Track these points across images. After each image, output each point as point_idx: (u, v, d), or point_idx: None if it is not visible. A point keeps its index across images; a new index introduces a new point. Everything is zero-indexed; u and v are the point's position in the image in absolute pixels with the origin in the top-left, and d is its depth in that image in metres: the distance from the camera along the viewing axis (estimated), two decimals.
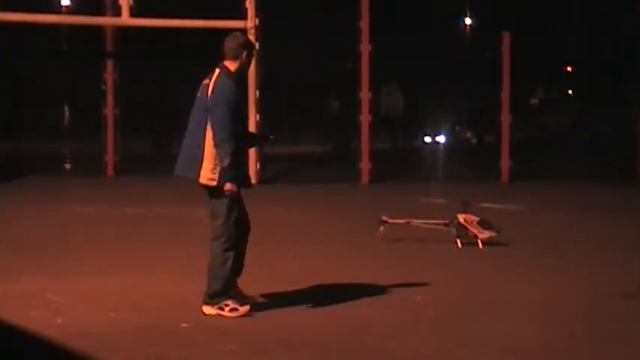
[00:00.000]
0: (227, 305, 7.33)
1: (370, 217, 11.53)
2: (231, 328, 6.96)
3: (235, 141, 7.21)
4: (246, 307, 7.35)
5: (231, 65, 7.43)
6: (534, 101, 36.11)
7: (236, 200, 7.36)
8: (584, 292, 8.34)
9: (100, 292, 8.12)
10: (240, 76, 7.60)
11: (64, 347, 3.51)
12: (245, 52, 7.46)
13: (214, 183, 7.23)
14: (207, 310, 7.36)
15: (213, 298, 7.36)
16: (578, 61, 30.76)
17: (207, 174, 7.23)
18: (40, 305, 7.56)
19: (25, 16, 17.27)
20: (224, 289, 7.37)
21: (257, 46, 17.41)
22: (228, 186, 7.21)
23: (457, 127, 28.54)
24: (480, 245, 10.44)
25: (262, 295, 7.97)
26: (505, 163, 18.32)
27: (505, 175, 18.29)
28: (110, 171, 18.97)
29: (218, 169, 7.20)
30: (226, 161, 7.14)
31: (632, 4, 29.18)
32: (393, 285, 8.59)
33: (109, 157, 19.01)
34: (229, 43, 7.47)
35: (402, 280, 8.80)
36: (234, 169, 7.23)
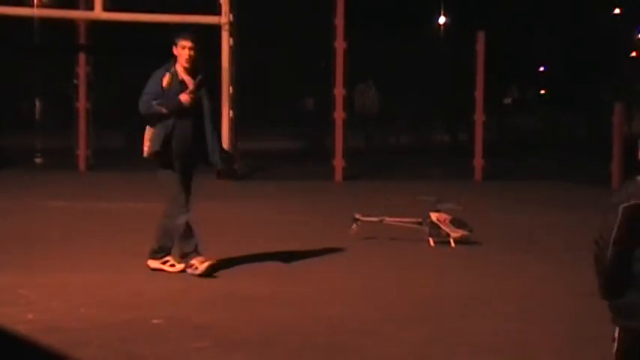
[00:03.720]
0: (168, 261, 8.62)
1: (343, 214, 11.52)
2: (204, 324, 6.93)
3: None
4: (182, 266, 8.55)
5: None
6: (507, 101, 36.25)
7: None
8: (558, 290, 8.37)
9: (72, 288, 8.06)
10: None
11: (34, 343, 3.44)
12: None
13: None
14: (153, 264, 8.64)
15: (158, 253, 8.65)
16: (553, 61, 30.94)
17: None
18: (11, 301, 7.49)
19: None
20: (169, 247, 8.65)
21: (231, 42, 17.38)
22: None
23: None
24: (453, 244, 10.45)
25: (235, 292, 7.95)
26: (478, 161, 18.38)
27: (478, 174, 18.36)
28: (82, 166, 18.84)
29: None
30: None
31: (608, 6, 29.39)
32: (366, 282, 8.59)
33: (81, 152, 18.88)
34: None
35: (374, 278, 8.81)
36: None
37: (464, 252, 10.24)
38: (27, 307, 7.28)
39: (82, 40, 19.18)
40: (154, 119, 8.50)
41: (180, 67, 8.55)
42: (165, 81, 8.52)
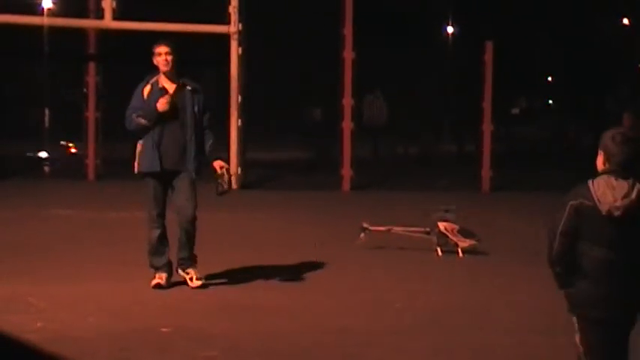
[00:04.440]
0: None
1: (351, 224, 11.54)
2: (211, 334, 6.96)
3: None
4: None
5: None
6: (515, 111, 36.26)
7: None
8: (564, 302, 8.37)
9: (81, 297, 8.10)
10: None
11: (43, 352, 3.47)
12: None
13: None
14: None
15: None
16: (560, 71, 30.94)
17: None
18: (21, 309, 7.54)
19: (7, 17, 17.19)
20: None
21: (240, 51, 17.43)
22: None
23: None
24: (460, 254, 10.47)
25: (243, 302, 7.98)
26: (486, 172, 18.38)
27: (486, 185, 18.35)
28: (91, 175, 18.89)
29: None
30: None
31: (616, 16, 29.37)
32: (373, 292, 8.61)
33: (90, 161, 18.93)
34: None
35: (382, 288, 8.83)
36: None
37: (471, 262, 10.25)
38: (36, 316, 7.33)
39: (91, 49, 19.26)
40: (140, 132, 8.40)
41: (162, 76, 8.44)
42: (146, 92, 8.42)
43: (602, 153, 4.84)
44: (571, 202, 4.72)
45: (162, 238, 8.45)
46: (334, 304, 8.07)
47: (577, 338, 4.83)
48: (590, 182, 4.76)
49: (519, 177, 20.17)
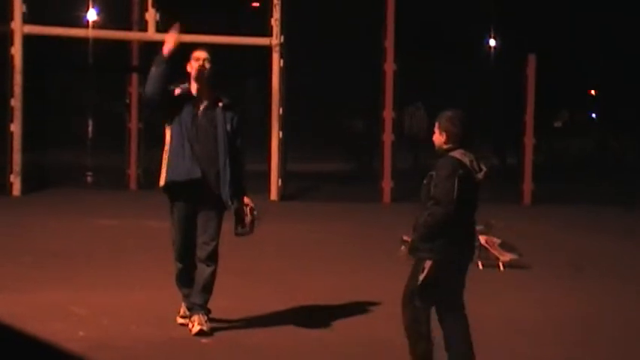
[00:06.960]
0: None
1: (391, 236, 11.50)
2: (252, 345, 6.98)
3: None
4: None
5: None
6: (558, 124, 36.03)
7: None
8: (606, 316, 8.29)
9: (123, 306, 8.16)
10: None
11: None
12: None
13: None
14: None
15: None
16: (604, 85, 30.68)
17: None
18: (63, 317, 7.60)
19: (53, 30, 17.42)
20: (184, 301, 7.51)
21: (282, 63, 17.51)
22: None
23: None
24: (501, 267, 10.41)
25: (283, 314, 7.98)
26: (528, 185, 18.28)
27: (527, 198, 18.24)
28: (133, 184, 19.04)
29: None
30: None
31: None
32: None
33: (132, 171, 19.09)
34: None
35: None
36: None
37: (512, 276, 10.19)
38: (78, 324, 7.39)
39: (134, 61, 19.44)
40: (157, 91, 7.19)
41: (194, 85, 7.32)
42: (177, 92, 7.32)
43: (443, 133, 5.83)
44: (458, 173, 5.66)
45: (186, 277, 7.47)
46: (374, 315, 8.06)
47: (421, 277, 5.87)
48: (452, 156, 5.73)
49: (561, 190, 20.02)
